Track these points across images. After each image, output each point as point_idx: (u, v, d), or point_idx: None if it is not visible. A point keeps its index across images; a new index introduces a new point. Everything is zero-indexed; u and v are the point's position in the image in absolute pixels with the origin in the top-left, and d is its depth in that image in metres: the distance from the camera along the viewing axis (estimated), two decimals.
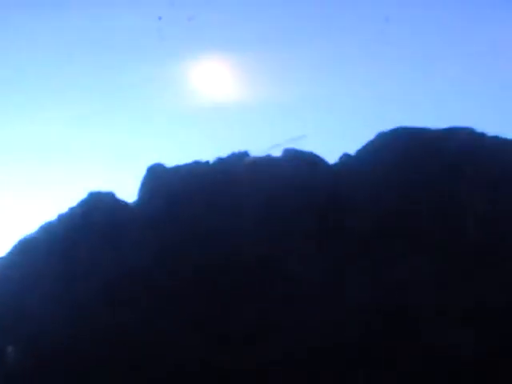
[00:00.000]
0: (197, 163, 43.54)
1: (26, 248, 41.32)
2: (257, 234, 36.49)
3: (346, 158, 42.01)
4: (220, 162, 43.60)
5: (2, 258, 42.19)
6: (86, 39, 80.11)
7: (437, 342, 31.89)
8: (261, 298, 34.49)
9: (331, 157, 45.50)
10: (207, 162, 43.97)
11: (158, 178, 42.25)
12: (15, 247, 42.24)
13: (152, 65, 75.13)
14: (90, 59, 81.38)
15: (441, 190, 39.57)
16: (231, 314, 34.16)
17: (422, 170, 42.06)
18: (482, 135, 45.29)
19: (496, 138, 44.95)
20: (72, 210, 42.43)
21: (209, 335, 33.28)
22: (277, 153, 45.47)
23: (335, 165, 41.91)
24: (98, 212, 41.19)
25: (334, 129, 77.29)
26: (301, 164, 42.09)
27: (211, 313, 34.31)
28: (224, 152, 45.37)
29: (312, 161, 42.90)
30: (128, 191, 48.37)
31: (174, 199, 41.45)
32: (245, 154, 44.97)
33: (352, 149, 46.34)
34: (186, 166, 43.43)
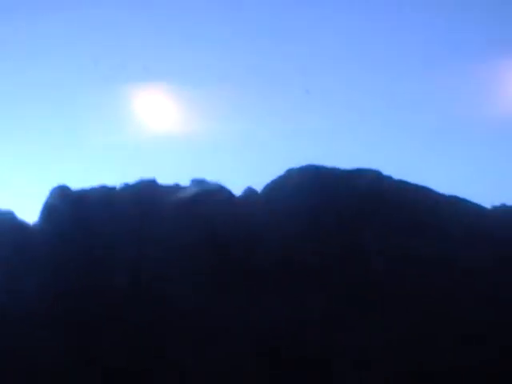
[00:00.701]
0: (103, 187, 42.84)
1: None
2: (157, 266, 35.70)
3: (249, 191, 41.89)
4: (127, 187, 43.00)
5: None
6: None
7: None
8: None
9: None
10: (114, 188, 43.37)
11: (61, 200, 41.22)
12: None
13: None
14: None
15: (346, 229, 39.91)
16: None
17: (328, 208, 42.45)
18: (389, 178, 46.19)
19: (401, 181, 45.92)
20: None
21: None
22: (185, 182, 45.83)
23: (240, 198, 41.64)
24: None
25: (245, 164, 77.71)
26: (206, 194, 41.83)
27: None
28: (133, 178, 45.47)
29: (218, 192, 42.67)
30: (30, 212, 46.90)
31: (76, 222, 40.60)
32: (152, 182, 44.50)
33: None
34: (92, 189, 42.59)
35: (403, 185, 45.18)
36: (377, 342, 33.75)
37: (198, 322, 33.19)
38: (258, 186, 46.01)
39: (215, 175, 47.17)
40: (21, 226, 40.51)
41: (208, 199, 41.67)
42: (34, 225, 41.77)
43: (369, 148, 76.43)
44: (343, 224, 41.27)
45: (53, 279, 37.88)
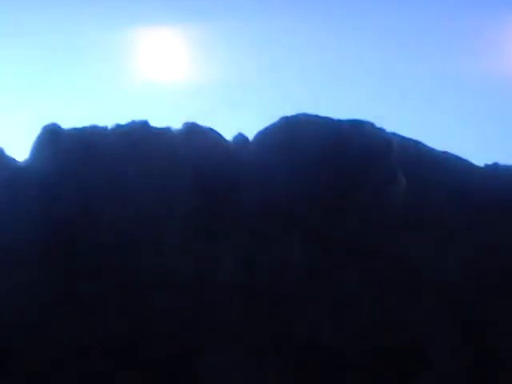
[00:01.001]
0: (94, 127, 42.81)
1: None
2: (143, 208, 35.78)
3: (240, 137, 41.83)
4: (118, 128, 42.97)
5: None
6: None
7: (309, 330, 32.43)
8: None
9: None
10: (105, 128, 43.36)
11: (52, 138, 41.25)
12: None
13: None
14: None
15: (336, 179, 39.97)
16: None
17: (318, 158, 42.42)
18: (381, 130, 46.06)
19: (393, 134, 45.77)
20: None
21: None
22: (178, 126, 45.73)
23: (230, 143, 41.56)
24: None
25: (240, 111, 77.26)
26: (197, 139, 41.77)
27: None
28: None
29: (210, 137, 42.59)
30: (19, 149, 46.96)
31: (67, 162, 40.66)
32: (144, 123, 44.43)
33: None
34: (83, 129, 42.59)
35: (394, 137, 45.17)
36: (352, 292, 34.12)
37: (181, 265, 33.39)
38: (252, 133, 46.68)
39: (209, 120, 47.65)
40: (10, 163, 40.77)
41: (198, 143, 41.68)
42: (24, 162, 42.10)
43: (363, 99, 76.22)
44: (333, 175, 41.44)
45: (41, 215, 38.16)
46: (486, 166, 47.16)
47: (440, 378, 32.65)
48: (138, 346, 29.40)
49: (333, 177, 40.62)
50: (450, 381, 32.66)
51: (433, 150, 45.31)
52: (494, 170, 45.17)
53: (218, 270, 33.71)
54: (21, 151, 43.21)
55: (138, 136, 42.60)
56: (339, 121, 46.07)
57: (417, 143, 45.20)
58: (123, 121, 43.65)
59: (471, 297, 35.81)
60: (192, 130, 43.83)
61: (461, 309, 35.18)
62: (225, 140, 42.97)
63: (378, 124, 47.15)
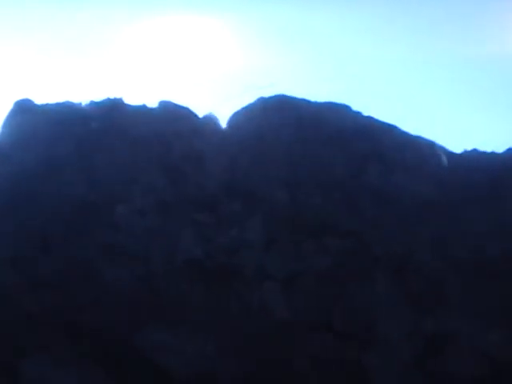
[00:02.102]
0: (68, 103, 42.97)
1: None
2: (101, 187, 35.83)
3: (211, 117, 41.87)
4: (92, 105, 43.16)
5: None
6: None
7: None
8: None
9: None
10: (79, 104, 43.57)
11: (23, 114, 41.50)
12: None
13: None
14: None
15: (300, 161, 40.01)
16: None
17: (290, 139, 42.45)
18: (358, 113, 46.00)
19: (369, 118, 45.67)
20: None
21: None
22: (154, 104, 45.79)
23: (201, 121, 41.62)
24: None
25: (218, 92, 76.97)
26: (170, 118, 41.88)
27: None
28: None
29: (183, 116, 42.68)
30: None
31: (37, 137, 40.86)
32: (119, 101, 44.60)
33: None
34: (57, 105, 42.80)
35: (370, 121, 45.13)
36: (309, 267, 34.31)
37: (137, 241, 33.61)
38: (229, 113, 46.70)
39: (186, 99, 47.70)
40: None
41: (170, 121, 41.73)
42: None
43: (341, 81, 75.72)
44: (305, 156, 41.46)
45: (11, 191, 38.41)
46: (466, 152, 47.23)
47: (391, 354, 32.85)
48: (82, 318, 29.63)
49: (304, 158, 40.69)
50: (400, 356, 32.87)
51: (407, 134, 45.27)
52: (469, 156, 45.16)
53: (175, 247, 33.87)
54: None
55: (111, 112, 42.97)
56: (315, 103, 46.19)
57: (392, 127, 45.14)
58: (96, 98, 44.72)
59: (428, 271, 36.10)
60: (166, 108, 44.11)
61: (415, 283, 35.45)
62: (199, 119, 43.17)
63: (356, 108, 47.88)
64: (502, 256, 37.96)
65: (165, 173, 36.60)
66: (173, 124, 40.59)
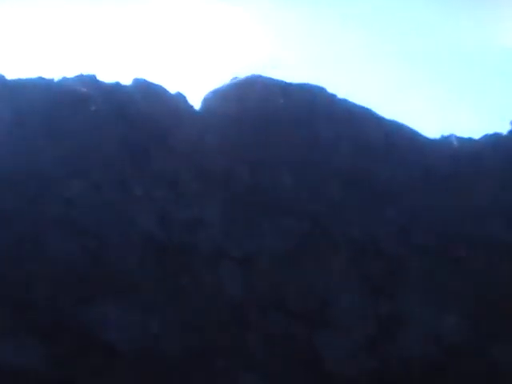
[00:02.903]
0: (40, 79, 42.90)
1: None
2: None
3: (181, 96, 41.74)
4: (64, 81, 43.10)
5: None
6: None
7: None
8: None
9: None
10: (52, 80, 43.50)
11: None
12: None
13: None
14: None
15: (268, 141, 39.89)
16: None
17: (263, 120, 42.35)
18: (333, 96, 45.80)
19: (344, 101, 45.51)
20: None
21: None
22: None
23: (171, 100, 41.50)
24: None
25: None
26: (141, 95, 41.78)
27: None
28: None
29: (155, 93, 42.58)
30: None
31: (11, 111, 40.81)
32: (92, 78, 44.54)
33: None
34: (29, 80, 42.73)
35: (343, 104, 44.93)
36: (266, 248, 34.32)
37: (91, 215, 33.53)
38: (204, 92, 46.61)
39: (162, 78, 47.66)
40: None
41: (142, 98, 41.65)
42: None
43: (318, 62, 75.46)
44: (272, 137, 41.29)
45: None
46: (442, 137, 46.99)
47: (342, 335, 32.87)
48: (29, 291, 29.68)
49: (270, 139, 40.60)
50: (352, 338, 32.88)
51: (381, 118, 45.08)
52: (443, 141, 44.95)
53: (131, 223, 33.86)
54: None
55: (83, 89, 42.91)
56: (289, 84, 45.97)
57: (365, 110, 44.96)
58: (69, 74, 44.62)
59: (389, 256, 36.12)
60: (139, 85, 43.96)
61: (375, 268, 35.49)
62: (169, 98, 43.02)
63: (331, 90, 47.64)
64: (464, 243, 37.98)
65: (126, 148, 36.49)
66: (141, 101, 40.51)
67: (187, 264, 33.26)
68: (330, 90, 45.72)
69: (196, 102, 45.10)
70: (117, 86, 43.73)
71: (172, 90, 44.01)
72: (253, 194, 36.54)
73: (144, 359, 28.91)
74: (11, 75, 44.09)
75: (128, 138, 37.34)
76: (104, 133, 37.38)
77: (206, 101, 44.06)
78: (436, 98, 77.42)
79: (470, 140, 45.34)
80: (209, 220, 34.85)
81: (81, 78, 43.28)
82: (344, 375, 31.31)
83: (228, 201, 35.82)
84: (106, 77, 45.07)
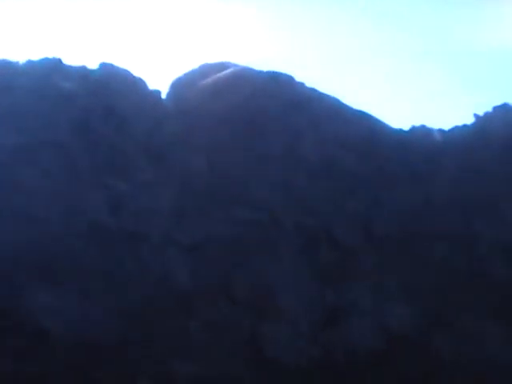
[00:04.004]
0: (4, 62, 42.76)
1: None
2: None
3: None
4: (29, 64, 42.98)
5: None
6: None
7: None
8: None
9: None
10: (16, 63, 43.38)
11: None
12: None
13: None
14: None
15: (234, 129, 39.68)
16: None
17: (227, 108, 42.12)
18: (301, 84, 45.50)
19: (312, 90, 45.19)
20: None
21: None
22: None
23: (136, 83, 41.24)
24: None
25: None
26: (105, 79, 41.54)
27: None
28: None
29: (121, 77, 42.30)
30: None
31: None
32: (58, 61, 44.36)
33: None
34: None
35: (311, 93, 44.62)
36: (215, 236, 34.25)
37: (42, 202, 33.52)
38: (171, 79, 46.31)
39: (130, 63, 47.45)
40: None
41: (105, 82, 41.38)
42: None
43: (292, 53, 75.00)
44: (240, 125, 41.08)
45: None
46: (414, 128, 46.59)
47: (287, 324, 32.84)
48: None
49: (231, 127, 40.40)
50: (297, 327, 32.86)
51: (349, 107, 44.76)
52: (407, 132, 44.61)
53: (80, 210, 33.81)
54: None
55: (47, 73, 42.76)
56: (259, 72, 45.75)
57: (334, 100, 44.66)
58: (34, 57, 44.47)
59: (344, 246, 36.01)
60: (104, 70, 43.68)
61: (327, 257, 35.41)
62: (131, 83, 42.74)
63: (300, 78, 47.30)
64: (422, 234, 37.81)
65: (81, 134, 36.30)
66: (103, 86, 40.30)
67: (135, 251, 33.23)
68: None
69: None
70: (82, 70, 43.85)
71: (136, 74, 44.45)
72: (206, 182, 36.40)
73: (79, 346, 28.91)
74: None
75: (83, 123, 37.15)
76: (59, 117, 37.20)
77: (173, 86, 44.02)
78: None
79: (435, 132, 45.11)
80: (159, 208, 34.75)
81: (45, 62, 43.52)
82: (284, 362, 31.27)
83: (181, 189, 35.69)
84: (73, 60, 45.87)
